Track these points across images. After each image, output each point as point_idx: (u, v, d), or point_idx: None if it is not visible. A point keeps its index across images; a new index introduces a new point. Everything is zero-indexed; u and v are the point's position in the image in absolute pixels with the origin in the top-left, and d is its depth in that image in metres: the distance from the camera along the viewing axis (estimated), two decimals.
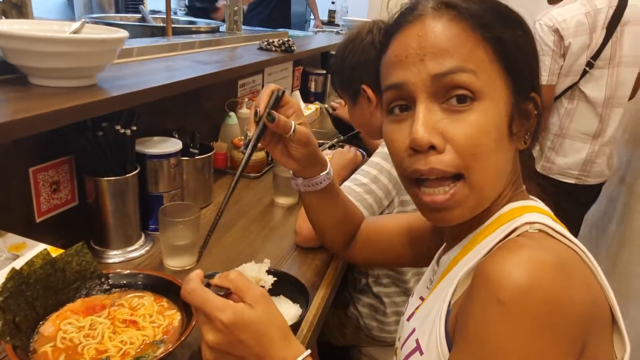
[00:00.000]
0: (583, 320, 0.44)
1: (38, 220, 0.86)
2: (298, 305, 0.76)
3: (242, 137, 0.70)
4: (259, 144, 0.72)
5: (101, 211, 0.89)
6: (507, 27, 0.54)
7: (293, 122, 0.71)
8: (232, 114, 1.43)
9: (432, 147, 0.52)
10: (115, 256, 0.92)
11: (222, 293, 0.52)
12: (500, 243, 0.51)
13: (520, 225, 0.51)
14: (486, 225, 0.57)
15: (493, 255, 0.48)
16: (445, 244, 0.69)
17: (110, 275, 0.73)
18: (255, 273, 0.68)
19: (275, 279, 0.64)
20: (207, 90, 1.36)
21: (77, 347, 0.61)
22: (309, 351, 0.53)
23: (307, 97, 2.19)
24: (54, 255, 0.68)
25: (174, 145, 1.02)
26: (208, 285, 0.54)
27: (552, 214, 0.56)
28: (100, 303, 0.70)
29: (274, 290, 0.78)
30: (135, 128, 0.88)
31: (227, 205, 0.68)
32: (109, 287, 0.72)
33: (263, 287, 0.69)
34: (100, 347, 0.62)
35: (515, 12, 0.56)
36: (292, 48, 1.68)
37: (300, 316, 0.72)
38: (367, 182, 1.04)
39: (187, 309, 0.69)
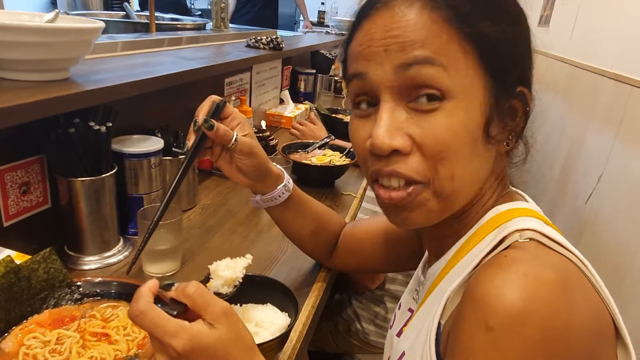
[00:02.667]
0: (583, 343, 0.40)
1: (6, 224, 0.80)
2: (286, 314, 0.71)
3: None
4: (201, 156, 0.71)
5: (75, 214, 0.83)
6: (491, 21, 0.47)
7: (235, 132, 0.69)
8: None
9: (396, 151, 0.47)
10: (91, 262, 0.86)
11: (175, 312, 0.45)
12: (489, 256, 0.46)
13: (509, 233, 0.46)
14: (472, 234, 0.52)
15: (482, 273, 0.43)
16: (427, 252, 0.64)
17: (81, 283, 0.67)
18: (230, 273, 0.63)
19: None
20: (192, 88, 1.30)
21: None
22: None
23: (297, 97, 2.14)
24: (18, 262, 0.62)
25: (155, 144, 0.96)
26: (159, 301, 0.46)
27: (542, 214, 0.51)
28: (70, 314, 0.64)
29: (261, 298, 0.73)
30: (111, 125, 0.82)
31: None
32: (80, 296, 0.66)
33: (237, 285, 0.64)
34: None
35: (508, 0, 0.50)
36: (281, 46, 1.63)
37: (288, 326, 0.67)
38: None
39: None
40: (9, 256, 0.61)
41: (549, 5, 3.00)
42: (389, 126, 0.46)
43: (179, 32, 1.71)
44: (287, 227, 0.83)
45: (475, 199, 0.52)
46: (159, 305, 0.45)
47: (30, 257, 0.64)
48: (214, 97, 0.70)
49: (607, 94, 2.24)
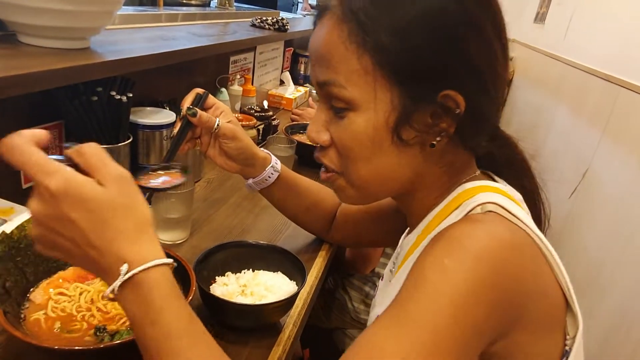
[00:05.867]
0: (525, 299, 0.45)
1: (25, 186, 0.82)
2: (294, 282, 0.75)
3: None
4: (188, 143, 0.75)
5: None
6: (393, 34, 0.48)
7: (218, 119, 0.74)
8: (223, 89, 1.39)
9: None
10: None
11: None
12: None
13: (473, 207, 0.51)
14: (441, 209, 0.56)
15: (446, 227, 0.49)
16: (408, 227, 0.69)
17: None
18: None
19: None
20: (200, 65, 1.32)
21: (72, 315, 0.60)
22: (170, 260, 0.43)
23: (296, 80, 2.16)
24: None
25: (167, 116, 0.99)
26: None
27: (508, 192, 0.55)
28: None
29: (273, 266, 0.77)
30: (131, 95, 0.85)
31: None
32: None
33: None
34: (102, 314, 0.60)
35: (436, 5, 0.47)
36: (286, 27, 1.65)
37: (295, 292, 0.71)
38: None
39: (184, 279, 0.68)
40: None
41: (545, 3, 3.04)
42: (316, 123, 0.56)
43: (184, 8, 1.72)
44: (282, 206, 0.88)
45: (423, 185, 0.57)
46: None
47: None
48: (198, 90, 0.75)
49: (596, 93, 2.31)
